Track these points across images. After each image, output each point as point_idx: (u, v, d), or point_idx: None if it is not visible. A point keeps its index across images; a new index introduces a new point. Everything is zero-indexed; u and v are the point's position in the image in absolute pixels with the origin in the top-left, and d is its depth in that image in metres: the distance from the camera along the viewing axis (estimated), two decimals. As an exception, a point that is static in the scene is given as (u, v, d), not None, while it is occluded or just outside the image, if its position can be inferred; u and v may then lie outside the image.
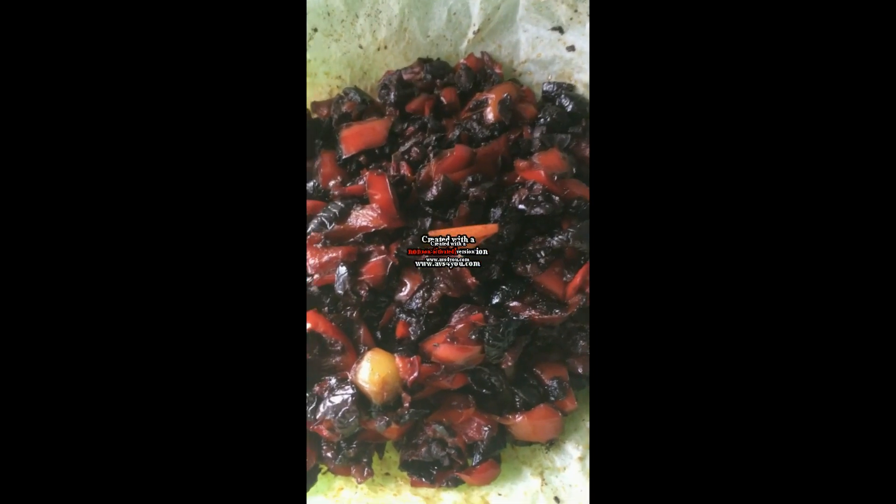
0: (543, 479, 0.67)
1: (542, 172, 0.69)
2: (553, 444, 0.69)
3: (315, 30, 0.82)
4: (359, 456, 0.65)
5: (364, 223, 0.67)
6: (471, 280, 0.65)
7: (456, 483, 0.66)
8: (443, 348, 0.62)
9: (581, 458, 0.67)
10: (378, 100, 0.84)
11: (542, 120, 0.77)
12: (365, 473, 0.65)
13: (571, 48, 0.81)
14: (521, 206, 0.68)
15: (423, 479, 0.66)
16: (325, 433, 0.62)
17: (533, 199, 0.68)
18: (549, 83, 0.82)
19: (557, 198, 0.68)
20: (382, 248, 0.67)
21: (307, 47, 0.82)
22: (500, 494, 0.66)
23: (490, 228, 0.65)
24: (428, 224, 0.68)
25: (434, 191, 0.69)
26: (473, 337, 0.62)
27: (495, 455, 0.66)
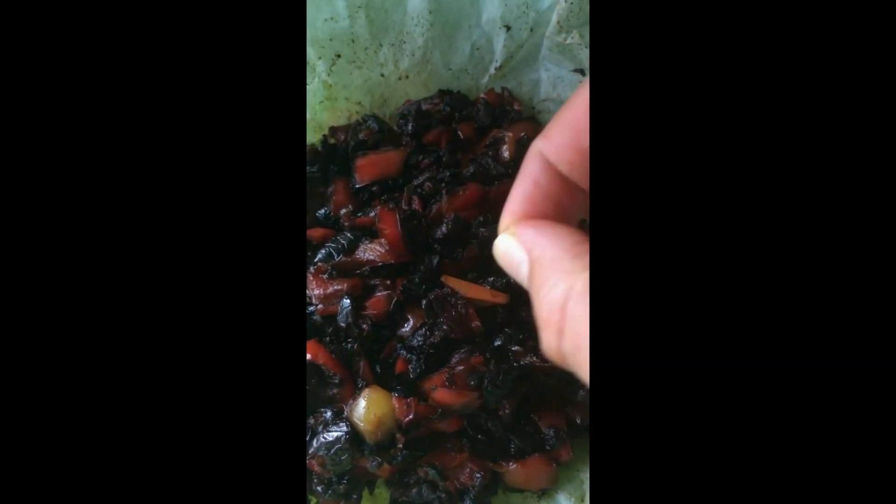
0: (533, 530, 0.66)
1: (554, 217, 0.69)
2: (545, 493, 0.69)
3: (339, 55, 0.82)
4: (349, 492, 0.65)
5: (371, 257, 0.67)
6: (475, 324, 0.64)
7: (444, 527, 0.66)
8: (440, 392, 0.62)
9: (573, 511, 0.67)
10: (396, 128, 0.84)
11: (557, 162, 0.76)
12: (354, 509, 0.65)
13: (593, 91, 0.81)
14: (531, 251, 0.67)
15: (412, 521, 0.66)
16: (317, 469, 0.61)
17: (543, 244, 0.68)
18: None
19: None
20: (388, 282, 0.67)
21: (330, 72, 0.83)
22: (488, 540, 0.66)
23: (499, 297, 0.65)
24: (435, 261, 0.68)
25: (444, 229, 0.68)
26: (472, 382, 0.62)
27: (485, 502, 0.66)
